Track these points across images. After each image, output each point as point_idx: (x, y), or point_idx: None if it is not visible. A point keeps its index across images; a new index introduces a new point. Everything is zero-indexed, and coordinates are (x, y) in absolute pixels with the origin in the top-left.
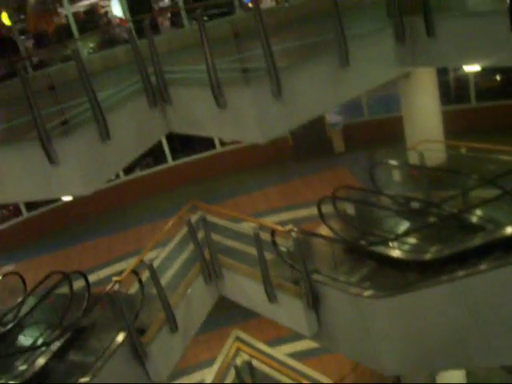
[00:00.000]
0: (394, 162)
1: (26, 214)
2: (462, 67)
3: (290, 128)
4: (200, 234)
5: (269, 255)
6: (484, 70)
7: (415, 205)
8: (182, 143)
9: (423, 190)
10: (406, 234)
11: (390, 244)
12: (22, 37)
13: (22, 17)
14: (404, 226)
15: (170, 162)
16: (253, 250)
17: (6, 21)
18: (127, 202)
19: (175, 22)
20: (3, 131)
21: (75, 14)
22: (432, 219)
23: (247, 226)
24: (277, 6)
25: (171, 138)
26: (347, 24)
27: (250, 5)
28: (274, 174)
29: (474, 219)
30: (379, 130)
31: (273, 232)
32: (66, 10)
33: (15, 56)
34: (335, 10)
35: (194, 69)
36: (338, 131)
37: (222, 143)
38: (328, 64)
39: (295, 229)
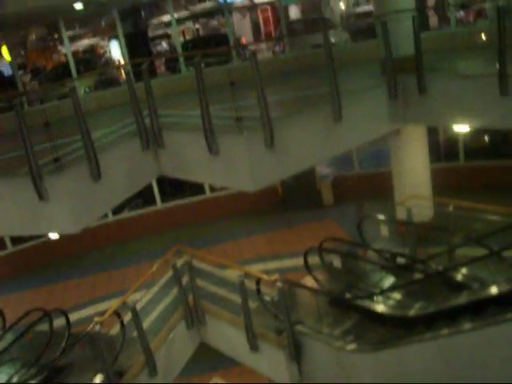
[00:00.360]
0: (381, 217)
1: (10, 248)
2: (451, 126)
3: (280, 178)
4: (185, 279)
5: (253, 303)
6: (473, 129)
7: (401, 260)
8: (172, 186)
9: (410, 245)
10: (391, 289)
11: (375, 298)
12: (20, 71)
13: (22, 52)
14: (389, 280)
15: (159, 205)
16: (237, 298)
17: (7, 55)
18: (114, 241)
19: (171, 67)
20: None
21: (74, 53)
22: (417, 275)
23: (233, 273)
24: (273, 56)
25: (161, 180)
26: (341, 79)
27: (247, 54)
28: (262, 222)
29: (460, 277)
30: (369, 184)
31: (258, 281)
32: (66, 49)
33: (12, 90)
34: (330, 65)
35: (189, 114)
36: (327, 183)
37: (212, 189)
38: (321, 117)
39: (281, 278)
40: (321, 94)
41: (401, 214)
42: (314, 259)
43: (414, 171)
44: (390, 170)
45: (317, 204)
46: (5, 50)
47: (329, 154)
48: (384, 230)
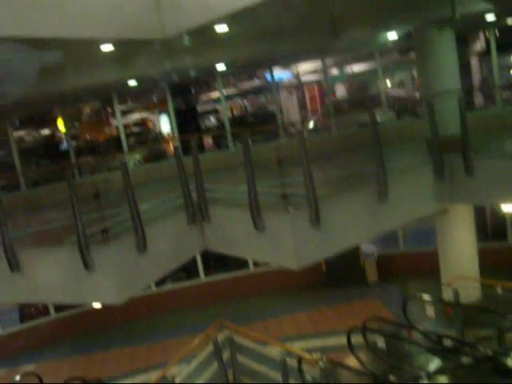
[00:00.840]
0: (427, 297)
1: (53, 315)
2: (499, 206)
3: (325, 256)
4: (225, 354)
5: (294, 382)
6: None
7: (448, 343)
8: (216, 259)
9: (457, 327)
10: (438, 372)
11: (421, 382)
12: (73, 141)
13: (76, 124)
14: (436, 364)
15: (202, 278)
16: (278, 376)
17: (62, 127)
18: (155, 313)
19: (219, 142)
20: (43, 233)
21: (125, 126)
22: (465, 359)
23: (274, 351)
24: (320, 134)
25: (205, 253)
26: (387, 157)
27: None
28: (304, 298)
29: (511, 363)
30: (414, 263)
31: (300, 359)
32: (118, 122)
33: (65, 161)
34: (376, 143)
35: (235, 190)
36: (372, 261)
37: (256, 263)
38: (367, 196)
39: (323, 358)
40: (367, 172)
41: (447, 295)
42: (357, 339)
43: (460, 251)
44: (435, 248)
45: (360, 281)
46: (60, 122)
47: (374, 233)
48: (430, 311)
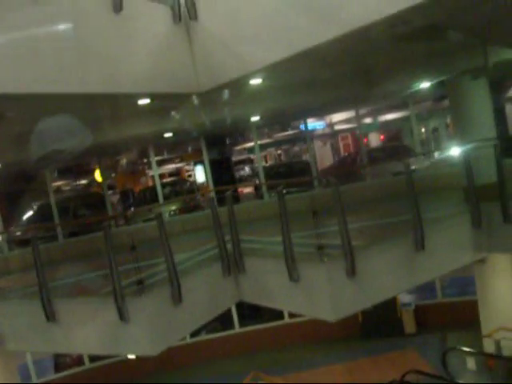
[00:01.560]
0: (468, 349)
1: (87, 364)
2: None
3: (362, 307)
4: None
5: None
6: None
7: None
8: (251, 310)
9: (499, 380)
10: None
11: None
12: (110, 191)
13: (113, 175)
14: None
15: (237, 329)
16: None
17: (99, 177)
18: (190, 363)
19: (253, 192)
20: (79, 283)
21: (161, 176)
22: None
23: None
24: (354, 184)
25: (240, 303)
26: (423, 206)
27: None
28: (340, 349)
29: None
30: (453, 313)
31: None
32: (154, 173)
33: (101, 211)
34: (411, 193)
35: (270, 241)
36: (409, 311)
37: (291, 314)
38: (403, 246)
39: None
40: (402, 222)
41: (489, 347)
42: None
43: (501, 301)
44: (475, 298)
45: (398, 332)
46: (98, 172)
47: (411, 284)
48: (471, 364)
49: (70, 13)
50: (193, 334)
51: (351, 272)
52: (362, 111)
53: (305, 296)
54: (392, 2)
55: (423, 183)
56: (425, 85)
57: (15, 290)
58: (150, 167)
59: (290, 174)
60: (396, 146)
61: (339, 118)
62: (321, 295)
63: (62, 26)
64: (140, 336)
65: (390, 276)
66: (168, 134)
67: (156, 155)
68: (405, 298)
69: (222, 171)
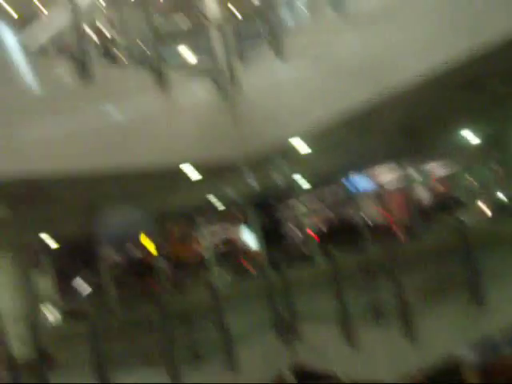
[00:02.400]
0: None
1: None
2: None
3: (422, 368)
4: None
5: None
6: None
7: None
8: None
9: None
10: None
11: None
12: (162, 262)
13: (165, 244)
14: None
15: None
16: None
17: (151, 248)
18: None
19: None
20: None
21: (213, 244)
22: None
23: None
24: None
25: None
26: (482, 260)
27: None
28: None
29: None
30: None
31: None
32: (205, 241)
33: (154, 282)
34: (466, 248)
35: (325, 305)
36: (474, 372)
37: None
38: (461, 304)
39: None
40: (459, 279)
41: None
42: None
43: None
44: None
45: None
46: (150, 244)
47: (471, 340)
48: None
49: None
50: None
51: (409, 333)
52: (411, 167)
53: (362, 360)
54: None
55: (480, 237)
56: (472, 138)
57: None
58: (202, 235)
59: (341, 234)
60: (447, 201)
61: (388, 176)
62: (379, 359)
63: None
64: None
65: (449, 334)
66: (217, 203)
67: (207, 224)
68: (469, 358)
69: (273, 235)
